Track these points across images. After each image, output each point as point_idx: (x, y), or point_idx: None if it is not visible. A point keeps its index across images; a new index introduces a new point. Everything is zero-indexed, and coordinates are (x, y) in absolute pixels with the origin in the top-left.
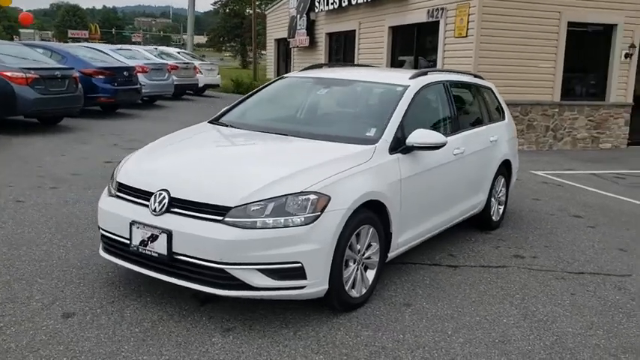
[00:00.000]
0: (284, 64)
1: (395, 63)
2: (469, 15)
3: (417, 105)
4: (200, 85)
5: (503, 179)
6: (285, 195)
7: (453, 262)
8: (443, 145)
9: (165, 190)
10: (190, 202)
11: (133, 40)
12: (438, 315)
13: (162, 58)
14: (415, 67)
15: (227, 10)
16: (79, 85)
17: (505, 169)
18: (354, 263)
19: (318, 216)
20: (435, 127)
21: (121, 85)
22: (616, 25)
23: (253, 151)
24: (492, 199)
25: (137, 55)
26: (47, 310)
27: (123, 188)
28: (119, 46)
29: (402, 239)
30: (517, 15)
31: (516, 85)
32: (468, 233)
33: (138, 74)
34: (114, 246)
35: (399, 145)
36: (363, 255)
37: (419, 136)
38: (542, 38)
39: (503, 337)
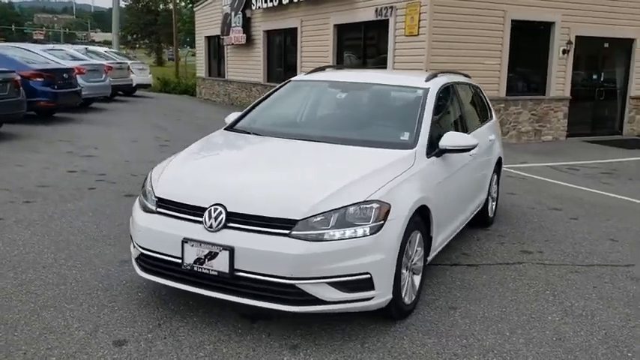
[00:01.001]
0: (216, 63)
1: (341, 62)
2: (420, 14)
3: (438, 107)
4: (133, 85)
5: (496, 176)
6: (349, 205)
7: (471, 261)
8: (474, 147)
9: (221, 205)
10: (251, 216)
11: (35, 37)
12: (487, 317)
13: (91, 58)
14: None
15: (140, 6)
16: (21, 89)
17: (497, 166)
18: (407, 270)
19: (382, 225)
20: (451, 128)
21: (61, 88)
22: (554, 22)
23: (297, 160)
24: (489, 197)
25: (69, 56)
26: (95, 339)
27: (166, 204)
28: (50, 45)
29: (438, 242)
30: (466, 13)
31: None
32: (469, 231)
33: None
34: (159, 266)
35: (433, 149)
36: (412, 261)
37: (451, 139)
38: (489, 36)
39: (557, 334)
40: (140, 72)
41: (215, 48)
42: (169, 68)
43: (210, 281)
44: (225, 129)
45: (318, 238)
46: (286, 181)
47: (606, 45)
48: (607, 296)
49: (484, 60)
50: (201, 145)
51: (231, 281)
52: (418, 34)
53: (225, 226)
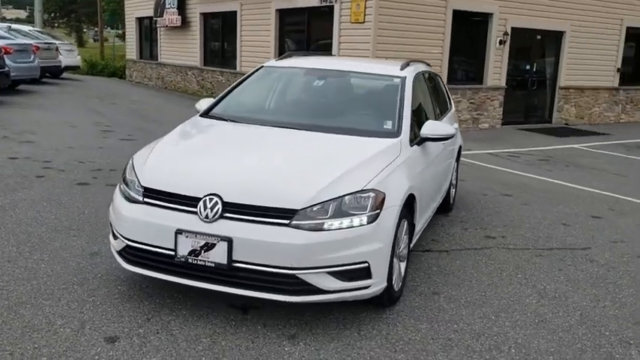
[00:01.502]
0: (148, 45)
1: (283, 48)
2: (366, 1)
3: (414, 96)
4: (61, 67)
5: (456, 164)
6: (347, 194)
7: (440, 247)
8: (453, 136)
9: (216, 195)
10: (250, 206)
11: None
12: (471, 301)
13: (16, 37)
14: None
15: None
16: None
17: (458, 154)
18: (396, 258)
19: (378, 214)
20: (424, 117)
21: None
22: (492, 14)
23: (286, 148)
24: (450, 184)
25: None
26: (84, 337)
27: (154, 194)
28: None
29: (417, 229)
30: (411, 2)
31: None
32: (433, 218)
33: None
34: (148, 258)
35: (415, 137)
36: (400, 249)
37: (432, 127)
38: (432, 25)
39: (538, 317)
40: (68, 53)
41: (147, 29)
42: (92, 49)
43: (206, 273)
44: (200, 116)
45: (318, 228)
46: (281, 171)
47: (539, 37)
48: (573, 278)
49: (428, 49)
50: (181, 133)
51: (228, 272)
52: (364, 22)
53: (221, 217)
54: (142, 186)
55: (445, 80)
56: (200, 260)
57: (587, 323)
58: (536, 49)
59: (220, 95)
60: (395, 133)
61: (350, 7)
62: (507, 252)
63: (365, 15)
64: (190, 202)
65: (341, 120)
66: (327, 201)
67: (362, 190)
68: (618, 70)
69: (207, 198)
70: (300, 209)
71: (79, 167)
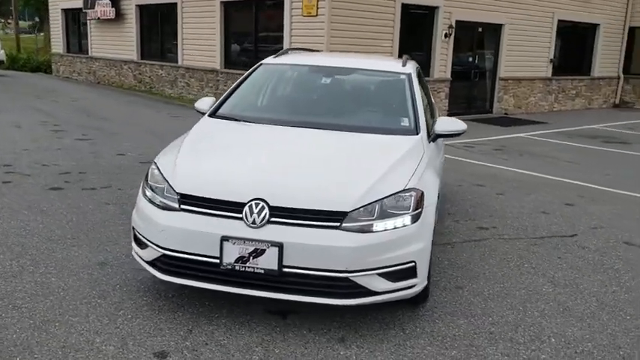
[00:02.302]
0: (76, 38)
1: (229, 43)
2: None
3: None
4: None
5: None
6: (391, 195)
7: (443, 239)
8: (464, 131)
9: (262, 200)
10: (298, 210)
11: None
12: (493, 293)
13: None
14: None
15: None
16: None
17: None
18: None
19: (420, 213)
20: (427, 113)
21: None
22: (438, 7)
23: (317, 149)
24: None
25: None
26: (132, 353)
27: (193, 201)
28: None
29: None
30: None
31: None
32: None
33: None
34: (188, 267)
35: (429, 134)
36: None
37: (445, 124)
38: (383, 19)
39: (561, 305)
40: None
41: (75, 21)
42: (4, 42)
43: (254, 280)
44: (209, 116)
45: (367, 230)
46: (321, 172)
47: (480, 29)
48: (575, 265)
49: (379, 42)
50: (200, 136)
51: (279, 278)
52: (317, 15)
53: (268, 222)
54: (177, 193)
55: None
56: (248, 267)
57: (606, 309)
58: (478, 42)
59: (225, 95)
60: (413, 130)
61: (301, 1)
62: (505, 242)
63: (317, 8)
64: (234, 207)
65: (357, 118)
66: (373, 202)
67: (403, 190)
68: (551, 60)
69: (253, 203)
70: (350, 211)
71: (45, 171)
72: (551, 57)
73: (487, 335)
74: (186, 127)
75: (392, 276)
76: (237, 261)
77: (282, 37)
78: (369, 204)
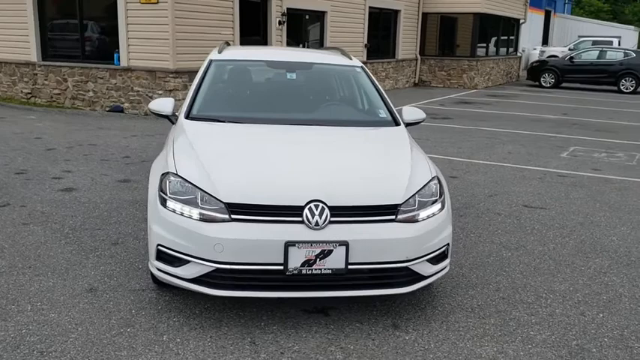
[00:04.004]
0: None
1: (45, 32)
2: None
3: None
4: None
5: None
6: (426, 184)
7: None
8: (424, 119)
9: (319, 201)
10: (356, 207)
11: None
12: (472, 264)
13: None
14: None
15: None
16: None
17: None
18: None
19: (445, 199)
20: None
21: None
22: None
23: (328, 144)
24: None
25: None
26: None
27: (246, 209)
28: None
29: None
30: None
31: (208, 52)
32: None
33: None
34: (248, 278)
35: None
36: None
37: (411, 113)
38: (224, 6)
39: (529, 265)
40: None
41: None
42: None
43: (320, 281)
44: (188, 118)
45: (414, 220)
46: (357, 168)
47: (307, 17)
48: (508, 230)
49: (221, 30)
50: (206, 139)
51: (346, 276)
52: (158, 2)
53: (329, 222)
54: (224, 203)
55: None
56: (315, 269)
57: (570, 265)
58: (307, 28)
59: (190, 96)
60: (392, 122)
61: None
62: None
63: None
64: (292, 211)
65: (337, 112)
66: (414, 194)
67: (432, 179)
68: (366, 45)
69: (312, 205)
70: (401, 204)
71: None
72: (366, 42)
73: (504, 300)
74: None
75: (435, 260)
76: (303, 265)
77: (116, 25)
78: (412, 195)
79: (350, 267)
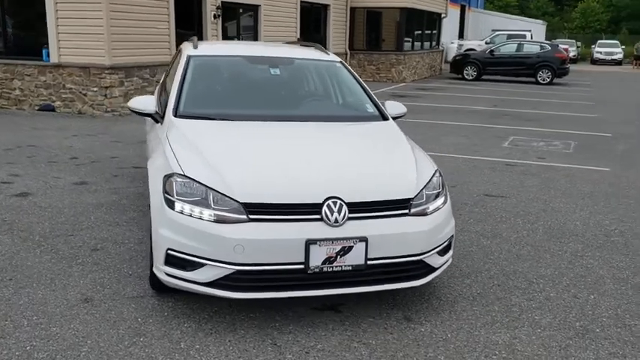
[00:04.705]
0: None
1: None
2: None
3: None
4: None
5: None
6: (431, 178)
7: None
8: (405, 113)
9: (337, 198)
10: (372, 202)
11: None
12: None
13: None
14: None
15: None
16: None
17: None
18: None
19: (446, 191)
20: None
21: None
22: None
23: (328, 141)
24: None
25: None
26: None
27: (264, 209)
28: None
29: None
30: None
31: (145, 47)
32: None
33: None
34: (268, 279)
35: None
36: None
37: (394, 107)
38: (159, 0)
39: (512, 253)
40: None
41: None
42: None
43: (340, 278)
44: (177, 117)
45: (424, 213)
46: (366, 164)
47: (241, 10)
48: (480, 219)
49: (156, 24)
50: (206, 138)
51: (365, 272)
52: None
53: (348, 218)
54: (241, 203)
55: None
56: (336, 266)
57: (549, 249)
58: (242, 23)
59: (175, 93)
60: (379, 116)
61: None
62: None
63: None
64: (311, 209)
65: (326, 107)
66: (423, 187)
67: (435, 172)
68: (298, 40)
69: (330, 202)
70: (413, 198)
71: None
72: (298, 36)
73: (500, 287)
74: None
75: (442, 252)
76: (324, 262)
77: (44, 19)
78: (421, 189)
79: (369, 262)
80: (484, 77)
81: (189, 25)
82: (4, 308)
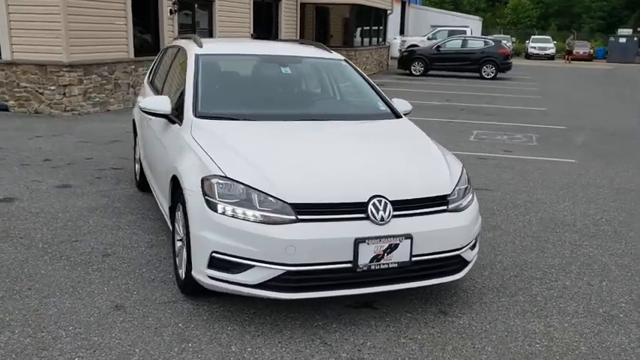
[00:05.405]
0: None
1: None
2: None
3: None
4: None
5: None
6: (461, 174)
7: None
8: (411, 110)
9: (381, 196)
10: (414, 200)
11: None
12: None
13: None
14: None
15: None
16: None
17: None
18: None
19: (471, 186)
20: None
21: None
22: None
23: (357, 139)
24: None
25: None
26: None
27: (311, 209)
28: None
29: None
30: None
31: (103, 44)
32: None
33: None
34: (317, 278)
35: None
36: None
37: (402, 105)
38: None
39: (510, 234)
40: None
41: None
42: None
43: (387, 276)
44: (199, 117)
45: (459, 209)
46: (401, 161)
47: (196, 6)
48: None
49: (114, 20)
50: (237, 139)
51: (410, 268)
52: None
53: (392, 216)
54: (289, 203)
55: (132, 53)
56: (383, 264)
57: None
58: (197, 18)
59: (191, 94)
60: (391, 114)
61: None
62: None
63: None
64: (357, 208)
65: (343, 106)
66: (457, 182)
67: (462, 167)
68: (252, 35)
69: (375, 200)
70: (450, 193)
71: None
72: (252, 32)
73: (517, 278)
74: None
75: (473, 246)
76: (371, 260)
77: None
78: (456, 185)
79: (414, 259)
80: (431, 73)
81: (147, 22)
82: (35, 319)
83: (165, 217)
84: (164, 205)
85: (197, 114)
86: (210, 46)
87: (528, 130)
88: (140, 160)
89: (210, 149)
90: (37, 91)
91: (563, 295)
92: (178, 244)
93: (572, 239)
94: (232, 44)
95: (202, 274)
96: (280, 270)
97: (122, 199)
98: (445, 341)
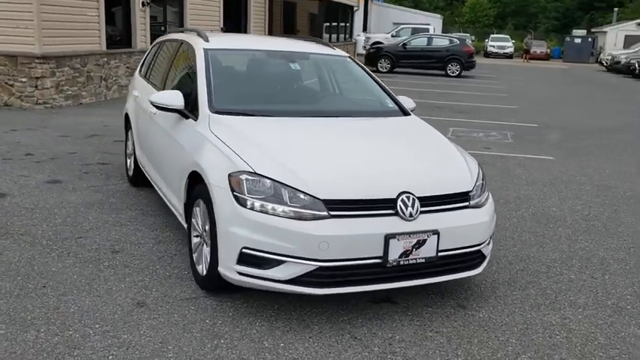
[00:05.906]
0: None
1: None
2: None
3: None
4: None
5: None
6: (478, 171)
7: None
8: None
9: (409, 192)
10: (440, 196)
11: None
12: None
13: None
14: None
15: None
16: None
17: None
18: None
19: (486, 183)
20: None
21: None
22: None
23: (375, 136)
24: None
25: None
26: None
27: (343, 205)
28: None
29: None
30: None
31: (75, 35)
32: None
33: None
34: (349, 274)
35: None
36: None
37: (407, 102)
38: None
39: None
40: None
41: None
42: None
43: (415, 271)
44: (216, 113)
45: (479, 205)
46: (425, 158)
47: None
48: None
49: (85, 11)
50: (260, 135)
51: (437, 263)
52: None
53: (420, 212)
54: (320, 199)
55: (105, 45)
56: (411, 259)
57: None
58: (167, 11)
59: (204, 90)
60: (399, 111)
61: None
62: None
63: None
64: (386, 204)
65: (352, 102)
66: (477, 179)
67: (479, 164)
68: (222, 29)
69: (404, 197)
70: (472, 189)
71: None
72: (222, 26)
73: (524, 272)
74: None
75: (489, 241)
76: (401, 256)
77: None
78: (476, 181)
79: (440, 254)
80: (397, 70)
81: (118, 15)
82: (58, 317)
83: (176, 214)
84: (175, 201)
85: (214, 109)
86: (218, 41)
87: (503, 128)
88: (134, 155)
89: (233, 145)
90: (6, 83)
91: (570, 288)
92: (195, 240)
93: (567, 234)
94: (237, 39)
95: (231, 270)
96: (313, 265)
97: (117, 195)
98: (470, 334)
